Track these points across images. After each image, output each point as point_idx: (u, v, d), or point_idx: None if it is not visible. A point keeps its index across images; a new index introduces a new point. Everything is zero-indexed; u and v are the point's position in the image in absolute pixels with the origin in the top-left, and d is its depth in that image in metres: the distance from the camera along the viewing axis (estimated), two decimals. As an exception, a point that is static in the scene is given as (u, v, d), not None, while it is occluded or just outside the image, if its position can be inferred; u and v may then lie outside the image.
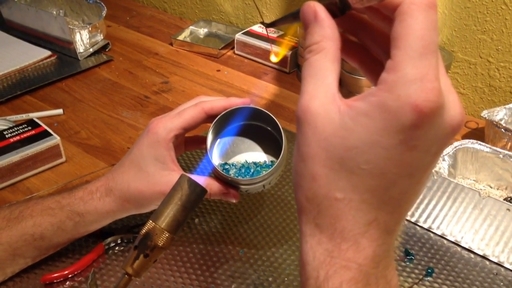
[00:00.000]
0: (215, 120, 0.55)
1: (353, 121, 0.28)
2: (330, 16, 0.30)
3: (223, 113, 0.55)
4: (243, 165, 0.58)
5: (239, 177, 0.56)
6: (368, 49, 0.34)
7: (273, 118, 0.55)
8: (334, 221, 0.29)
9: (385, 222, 0.29)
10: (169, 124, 0.55)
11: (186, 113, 0.56)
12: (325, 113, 0.28)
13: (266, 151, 0.60)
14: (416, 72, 0.26)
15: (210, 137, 0.56)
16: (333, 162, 0.28)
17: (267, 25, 0.40)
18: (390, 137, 0.27)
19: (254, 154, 0.60)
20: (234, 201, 0.56)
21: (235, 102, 0.56)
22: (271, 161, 0.59)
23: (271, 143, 0.59)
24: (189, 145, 0.63)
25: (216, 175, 0.56)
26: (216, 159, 0.59)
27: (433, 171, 0.32)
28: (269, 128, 0.59)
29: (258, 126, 0.59)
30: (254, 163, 0.59)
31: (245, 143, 0.60)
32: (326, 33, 0.30)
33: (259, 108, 0.56)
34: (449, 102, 0.27)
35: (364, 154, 0.27)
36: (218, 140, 0.59)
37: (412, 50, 0.26)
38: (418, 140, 0.27)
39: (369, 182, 0.28)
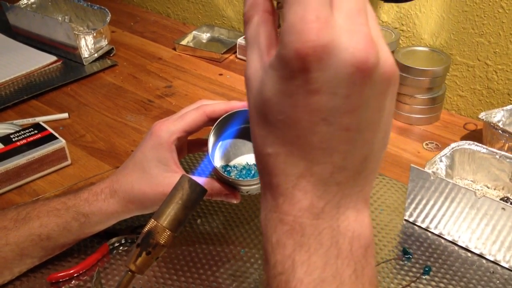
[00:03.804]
0: (216, 123, 0.56)
1: (265, 74, 0.28)
2: None
3: (224, 116, 0.56)
4: (244, 167, 0.59)
5: (239, 178, 0.58)
6: None
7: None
8: (270, 178, 0.30)
9: (319, 173, 0.28)
10: (171, 127, 0.56)
11: (188, 116, 0.57)
12: (255, 75, 0.30)
13: None
14: (294, 17, 0.25)
15: (211, 140, 0.58)
16: (260, 119, 0.29)
17: None
18: (289, 83, 0.27)
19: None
20: (235, 201, 0.57)
21: (236, 105, 0.57)
22: (271, 163, 0.60)
23: None
24: (191, 148, 0.64)
25: (217, 176, 0.57)
26: (217, 161, 0.60)
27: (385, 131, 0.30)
28: None
29: None
30: (255, 165, 0.60)
31: (246, 145, 0.62)
32: (254, 2, 0.30)
33: (259, 110, 0.57)
34: (346, 40, 0.25)
35: (276, 105, 0.28)
36: (220, 142, 0.61)
37: None
38: (317, 83, 0.26)
39: (288, 133, 0.28)
